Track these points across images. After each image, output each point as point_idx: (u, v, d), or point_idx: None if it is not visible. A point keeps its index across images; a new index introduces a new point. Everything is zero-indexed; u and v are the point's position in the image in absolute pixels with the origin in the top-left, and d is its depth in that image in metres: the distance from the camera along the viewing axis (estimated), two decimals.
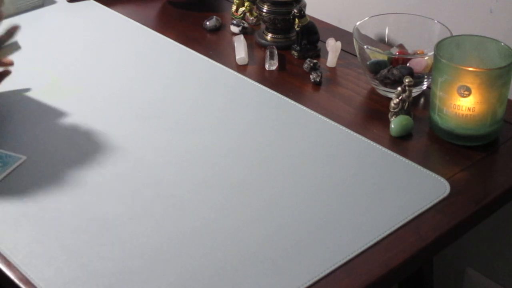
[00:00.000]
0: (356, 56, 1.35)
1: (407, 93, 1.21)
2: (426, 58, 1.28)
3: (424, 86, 1.30)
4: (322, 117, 1.26)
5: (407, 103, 1.22)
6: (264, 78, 1.38)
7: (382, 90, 1.31)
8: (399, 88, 1.22)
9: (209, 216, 1.05)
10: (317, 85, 1.35)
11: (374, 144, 1.19)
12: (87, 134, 1.22)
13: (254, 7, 1.50)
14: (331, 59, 1.41)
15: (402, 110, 1.22)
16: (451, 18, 1.38)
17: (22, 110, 1.28)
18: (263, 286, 0.94)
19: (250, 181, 1.11)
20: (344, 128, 1.23)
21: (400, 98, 1.22)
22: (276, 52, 1.42)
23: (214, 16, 1.55)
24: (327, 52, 1.41)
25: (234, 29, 1.53)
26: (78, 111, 1.28)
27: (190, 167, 1.14)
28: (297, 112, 1.27)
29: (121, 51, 1.47)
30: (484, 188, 1.11)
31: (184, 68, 1.41)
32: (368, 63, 1.30)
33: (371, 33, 1.38)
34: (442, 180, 1.11)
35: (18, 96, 1.32)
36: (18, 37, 1.23)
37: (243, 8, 1.54)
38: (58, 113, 1.27)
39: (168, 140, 1.21)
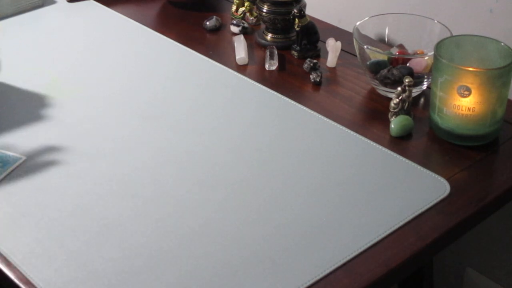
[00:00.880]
0: (356, 56, 1.35)
1: (407, 93, 1.21)
2: (426, 58, 1.28)
3: (424, 86, 1.30)
4: (322, 117, 1.26)
5: (407, 103, 1.22)
6: (264, 78, 1.38)
7: (382, 90, 1.31)
8: (399, 88, 1.22)
9: (209, 216, 1.05)
10: (317, 85, 1.35)
11: (374, 144, 1.19)
12: (87, 134, 1.22)
13: (254, 7, 1.50)
14: (331, 59, 1.41)
15: (402, 110, 1.22)
16: (451, 18, 1.38)
17: (22, 110, 1.28)
18: (263, 286, 0.94)
19: (250, 181, 1.11)
20: (344, 128, 1.23)
21: (400, 98, 1.22)
22: (276, 52, 1.42)
23: (214, 16, 1.55)
24: (327, 52, 1.41)
25: (234, 29, 1.53)
26: (78, 111, 1.28)
27: (190, 167, 1.14)
28: (297, 112, 1.27)
29: (121, 51, 1.47)
30: (484, 188, 1.11)
31: (184, 68, 1.41)
32: (368, 63, 1.30)
33: (371, 33, 1.38)
34: (442, 180, 1.11)
35: (18, 96, 1.32)
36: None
37: (243, 8, 1.54)
38: (58, 113, 1.27)
39: (168, 140, 1.21)
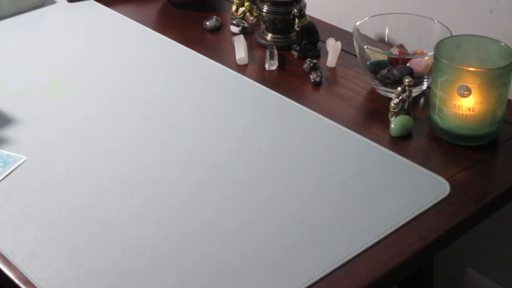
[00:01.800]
0: (356, 56, 1.35)
1: (407, 93, 1.21)
2: (426, 58, 1.28)
3: (424, 86, 1.30)
4: (322, 117, 1.26)
5: (407, 103, 1.22)
6: (264, 78, 1.38)
7: (382, 90, 1.31)
8: (399, 88, 1.22)
9: (209, 216, 1.05)
10: (317, 85, 1.35)
11: (374, 144, 1.19)
12: (87, 134, 1.22)
13: (254, 7, 1.50)
14: (331, 59, 1.41)
15: (402, 110, 1.22)
16: (451, 18, 1.38)
17: (22, 110, 1.28)
18: (263, 286, 0.94)
19: (250, 181, 1.11)
20: (344, 128, 1.23)
21: (400, 98, 1.22)
22: (276, 52, 1.42)
23: (214, 16, 1.55)
24: (327, 52, 1.41)
25: (234, 29, 1.53)
26: (78, 111, 1.28)
27: (190, 167, 1.14)
28: (297, 112, 1.27)
29: (121, 51, 1.47)
30: (484, 188, 1.11)
31: (184, 68, 1.41)
32: (368, 63, 1.30)
33: (371, 33, 1.38)
34: (442, 180, 1.11)
35: (18, 96, 1.32)
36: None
37: (243, 8, 1.54)
38: (58, 113, 1.27)
39: (168, 140, 1.21)
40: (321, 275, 0.95)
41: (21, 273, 0.96)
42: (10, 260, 0.98)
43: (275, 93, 1.32)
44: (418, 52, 1.34)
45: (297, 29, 1.42)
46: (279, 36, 1.48)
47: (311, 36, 1.43)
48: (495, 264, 1.52)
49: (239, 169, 1.14)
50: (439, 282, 1.62)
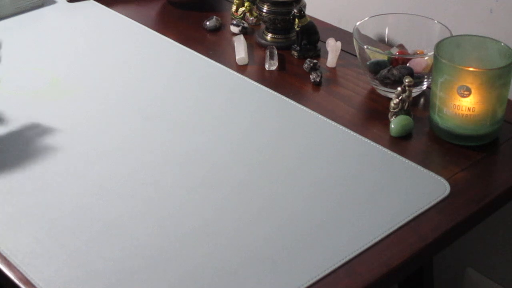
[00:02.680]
0: (356, 56, 1.35)
1: (407, 93, 1.21)
2: (426, 58, 1.28)
3: (424, 86, 1.30)
4: (322, 117, 1.26)
5: (407, 103, 1.22)
6: (264, 78, 1.38)
7: (382, 90, 1.31)
8: (399, 88, 1.22)
9: (209, 216, 1.05)
10: (317, 85, 1.35)
11: (374, 144, 1.19)
12: (87, 134, 1.22)
13: (254, 7, 1.50)
14: (331, 59, 1.41)
15: (402, 110, 1.22)
16: (451, 18, 1.38)
17: (22, 110, 1.28)
18: (263, 286, 0.94)
19: (250, 181, 1.11)
20: (344, 128, 1.23)
21: (400, 98, 1.22)
22: (276, 52, 1.42)
23: (214, 16, 1.55)
24: (327, 52, 1.41)
25: (234, 29, 1.53)
26: (78, 111, 1.28)
27: (190, 167, 1.14)
28: (297, 112, 1.27)
29: (121, 51, 1.47)
30: (484, 188, 1.11)
31: (184, 68, 1.41)
32: (368, 63, 1.30)
33: (371, 33, 1.38)
34: (442, 180, 1.11)
35: (18, 96, 1.32)
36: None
37: (243, 8, 1.54)
38: (58, 113, 1.27)
39: (168, 140, 1.21)
40: (321, 275, 0.95)
41: (21, 273, 0.96)
42: (10, 260, 0.98)
43: (275, 93, 1.32)
44: (418, 52, 1.34)
45: (297, 29, 1.42)
46: (279, 36, 1.48)
47: (311, 36, 1.43)
48: (495, 264, 1.52)
49: (239, 169, 1.14)
50: (439, 282, 1.62)
